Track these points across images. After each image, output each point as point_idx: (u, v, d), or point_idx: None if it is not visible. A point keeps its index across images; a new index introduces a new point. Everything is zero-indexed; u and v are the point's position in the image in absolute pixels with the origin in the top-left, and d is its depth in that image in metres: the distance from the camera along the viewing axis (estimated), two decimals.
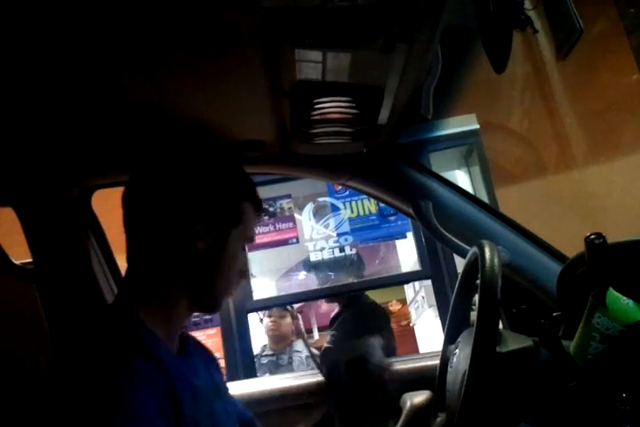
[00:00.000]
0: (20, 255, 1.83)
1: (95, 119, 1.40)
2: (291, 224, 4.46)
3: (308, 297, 4.56)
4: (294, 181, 3.68)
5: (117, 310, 1.13)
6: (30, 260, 1.82)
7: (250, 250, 4.27)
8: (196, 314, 3.99)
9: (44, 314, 1.86)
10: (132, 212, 1.20)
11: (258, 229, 4.34)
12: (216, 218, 1.19)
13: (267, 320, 4.43)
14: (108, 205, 2.21)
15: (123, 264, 2.01)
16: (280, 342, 4.38)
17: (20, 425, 1.66)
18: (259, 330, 4.39)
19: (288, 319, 4.44)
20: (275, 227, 4.40)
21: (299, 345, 4.36)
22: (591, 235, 1.06)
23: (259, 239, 4.33)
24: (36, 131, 1.42)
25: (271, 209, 4.46)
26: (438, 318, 4.07)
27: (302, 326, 5.10)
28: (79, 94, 1.27)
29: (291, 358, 4.30)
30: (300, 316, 4.78)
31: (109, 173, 1.79)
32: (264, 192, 4.43)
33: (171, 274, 1.17)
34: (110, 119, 1.41)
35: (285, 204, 4.53)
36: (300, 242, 4.42)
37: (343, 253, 4.34)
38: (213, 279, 1.20)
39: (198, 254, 1.17)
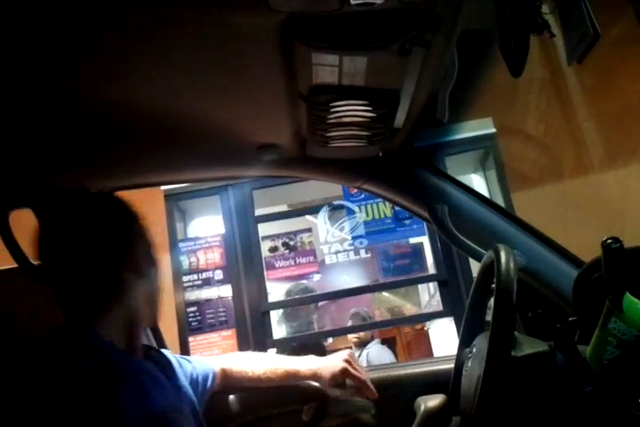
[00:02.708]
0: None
1: (110, 124, 1.41)
2: (311, 258, 4.47)
3: (324, 298, 4.56)
4: (310, 183, 3.68)
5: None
6: None
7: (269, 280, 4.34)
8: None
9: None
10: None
11: (277, 263, 4.39)
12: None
13: None
14: None
15: None
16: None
17: None
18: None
19: None
20: (295, 261, 4.43)
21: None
22: (608, 239, 1.06)
23: (279, 273, 4.35)
24: (52, 134, 1.43)
25: (292, 243, 4.48)
26: (453, 321, 4.06)
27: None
28: (93, 99, 1.28)
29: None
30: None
31: (124, 177, 1.80)
32: (284, 226, 4.48)
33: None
34: (126, 124, 1.42)
35: (306, 237, 4.55)
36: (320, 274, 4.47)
37: (358, 256, 4.35)
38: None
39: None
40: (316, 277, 4.61)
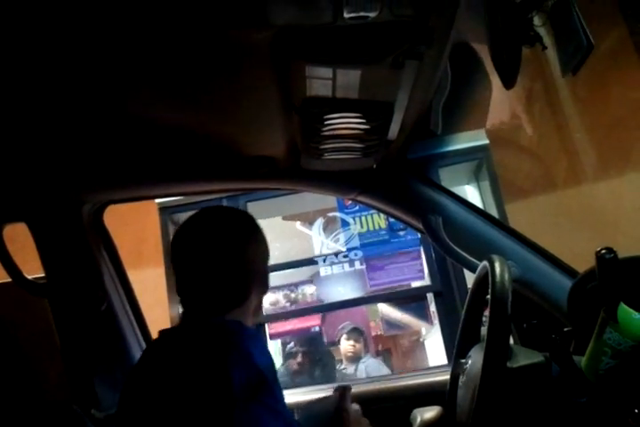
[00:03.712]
0: (33, 270, 1.84)
1: (106, 137, 1.42)
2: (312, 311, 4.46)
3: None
4: (304, 195, 3.68)
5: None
6: (43, 275, 1.83)
7: (272, 338, 4.37)
8: None
9: (55, 329, 1.87)
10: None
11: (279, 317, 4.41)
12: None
13: (345, 343, 4.73)
14: (119, 221, 2.24)
15: (133, 279, 2.03)
16: (354, 360, 4.70)
17: None
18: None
19: (362, 342, 4.78)
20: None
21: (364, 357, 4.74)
22: (602, 250, 1.06)
23: (280, 327, 4.34)
24: (47, 148, 1.43)
25: (293, 295, 4.48)
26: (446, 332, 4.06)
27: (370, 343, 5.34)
28: (90, 113, 1.28)
29: (356, 368, 4.65)
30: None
31: (119, 189, 1.80)
32: (285, 277, 4.48)
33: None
34: (121, 137, 1.42)
35: (307, 289, 4.54)
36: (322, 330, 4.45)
37: (353, 268, 4.35)
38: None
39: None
40: (311, 289, 4.60)
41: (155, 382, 1.31)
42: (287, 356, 4.68)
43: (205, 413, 1.19)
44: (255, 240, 1.48)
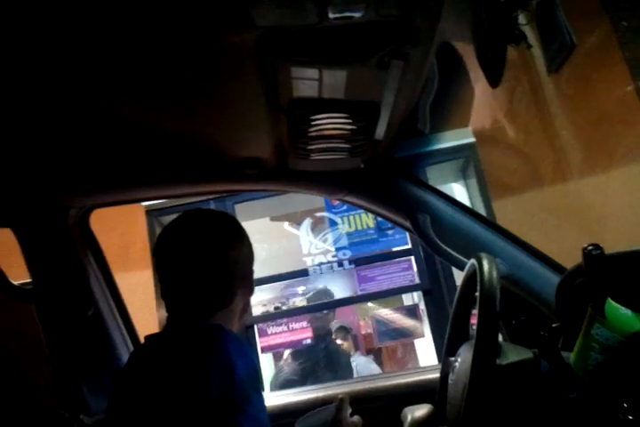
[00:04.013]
0: (19, 276, 1.83)
1: (90, 141, 1.41)
2: (304, 324, 4.46)
3: (308, 311, 4.55)
4: (292, 195, 3.68)
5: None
6: (29, 280, 1.82)
7: (263, 351, 4.38)
8: None
9: (43, 334, 1.86)
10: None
11: (270, 330, 4.39)
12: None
13: None
14: (105, 225, 2.23)
15: (121, 283, 2.03)
16: None
17: None
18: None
19: (349, 340, 4.79)
20: (288, 327, 4.42)
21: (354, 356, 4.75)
22: (589, 246, 1.07)
23: (271, 340, 4.33)
24: (32, 153, 1.43)
25: (284, 307, 4.46)
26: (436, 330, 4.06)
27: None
28: (73, 117, 1.28)
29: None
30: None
31: (105, 193, 1.80)
32: (275, 290, 4.47)
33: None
34: (106, 140, 1.42)
35: (299, 301, 4.52)
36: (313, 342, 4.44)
37: (342, 268, 4.35)
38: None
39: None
40: (300, 288, 4.60)
41: (139, 388, 1.32)
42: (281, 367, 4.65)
43: (184, 418, 1.19)
44: (239, 242, 1.48)
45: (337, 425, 1.42)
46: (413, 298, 4.79)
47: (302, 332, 4.40)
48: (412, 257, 4.23)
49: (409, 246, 4.29)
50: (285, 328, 4.38)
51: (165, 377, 1.27)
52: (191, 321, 1.37)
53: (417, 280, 4.20)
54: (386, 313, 4.47)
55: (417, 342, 5.60)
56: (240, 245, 1.47)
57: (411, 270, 4.27)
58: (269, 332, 4.35)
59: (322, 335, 4.49)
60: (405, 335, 4.42)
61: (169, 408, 1.22)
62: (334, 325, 4.80)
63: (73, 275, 1.84)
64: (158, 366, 1.31)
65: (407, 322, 4.41)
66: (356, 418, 1.47)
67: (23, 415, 1.57)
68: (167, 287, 1.42)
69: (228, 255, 1.43)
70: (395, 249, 4.42)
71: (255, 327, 4.24)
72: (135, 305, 2.16)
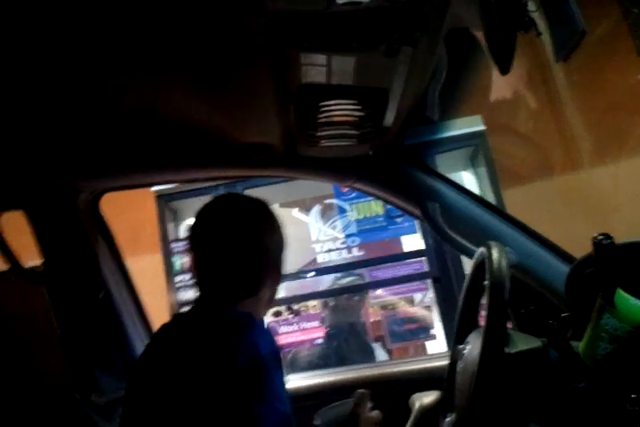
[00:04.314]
0: (30, 259, 1.84)
1: (102, 125, 1.41)
2: (316, 323, 4.43)
3: (317, 296, 4.53)
4: (301, 182, 3.68)
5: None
6: (40, 263, 1.84)
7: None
8: None
9: (54, 316, 1.87)
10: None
11: (281, 329, 4.35)
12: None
13: None
14: (116, 209, 2.23)
15: (131, 267, 2.04)
16: None
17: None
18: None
19: None
20: (299, 326, 4.39)
21: None
22: (599, 235, 1.06)
23: (283, 339, 4.31)
24: (44, 137, 1.43)
25: (295, 307, 4.45)
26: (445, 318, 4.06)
27: None
28: (84, 101, 1.28)
29: None
30: None
31: (115, 178, 1.80)
32: (289, 290, 4.46)
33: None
34: (117, 125, 1.42)
35: (310, 302, 4.50)
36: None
37: (351, 255, 4.34)
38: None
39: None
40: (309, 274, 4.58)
41: (162, 367, 1.33)
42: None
43: (207, 398, 1.20)
44: (271, 230, 1.49)
45: (355, 420, 1.43)
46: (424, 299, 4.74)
47: (314, 331, 4.39)
48: (423, 244, 4.20)
49: (418, 235, 4.28)
50: (297, 328, 4.38)
51: (191, 358, 1.28)
52: (220, 306, 1.38)
53: (426, 268, 4.19)
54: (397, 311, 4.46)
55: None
56: (272, 234, 1.48)
57: (420, 259, 4.25)
58: (280, 331, 4.34)
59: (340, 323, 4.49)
60: (417, 335, 4.39)
61: (191, 389, 1.23)
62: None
63: (84, 258, 1.85)
64: (184, 346, 1.32)
65: (419, 320, 4.40)
66: (375, 413, 1.47)
67: (36, 397, 1.58)
68: (201, 270, 1.44)
69: (260, 243, 1.43)
70: (403, 237, 4.42)
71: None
72: (145, 289, 2.17)
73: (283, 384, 1.27)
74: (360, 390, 1.49)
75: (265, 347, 1.26)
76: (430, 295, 4.25)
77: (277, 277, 1.50)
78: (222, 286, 1.41)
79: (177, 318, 1.46)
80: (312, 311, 4.49)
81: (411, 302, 4.61)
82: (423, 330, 4.35)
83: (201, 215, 1.48)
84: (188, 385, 1.24)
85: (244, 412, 1.18)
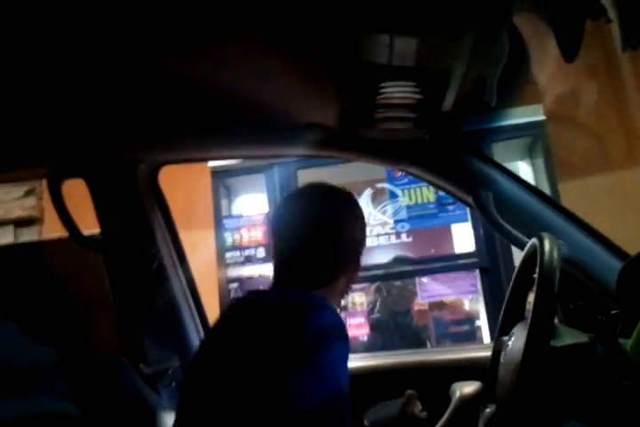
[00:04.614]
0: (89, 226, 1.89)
1: (162, 98, 1.43)
2: (362, 320, 4.40)
3: (365, 280, 4.53)
4: (353, 165, 3.67)
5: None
6: (98, 231, 1.88)
7: None
8: None
9: (109, 284, 1.92)
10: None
11: None
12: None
13: None
14: (172, 183, 2.27)
15: (184, 240, 2.07)
16: None
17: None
18: None
19: None
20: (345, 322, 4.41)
21: None
22: None
23: None
24: (107, 107, 1.46)
25: (343, 303, 4.47)
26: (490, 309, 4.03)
27: None
28: (146, 73, 1.30)
29: None
30: None
31: (174, 151, 1.83)
32: None
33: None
34: (179, 100, 1.44)
35: (358, 298, 4.49)
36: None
37: (399, 240, 4.32)
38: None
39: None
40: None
41: (229, 340, 1.36)
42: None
43: (260, 370, 1.23)
44: (354, 224, 1.50)
45: (403, 420, 1.44)
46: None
47: (360, 328, 4.39)
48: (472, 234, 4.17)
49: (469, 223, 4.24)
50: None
51: (259, 328, 1.31)
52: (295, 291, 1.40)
53: (475, 259, 4.16)
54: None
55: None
56: (355, 226, 1.50)
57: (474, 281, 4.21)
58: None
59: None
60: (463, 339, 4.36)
61: (253, 355, 1.26)
62: None
63: (140, 228, 1.89)
64: (254, 318, 1.35)
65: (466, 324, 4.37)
66: (423, 414, 1.48)
67: (86, 360, 1.62)
68: (278, 256, 1.47)
69: (341, 235, 1.45)
70: (453, 225, 4.39)
71: None
72: (196, 263, 2.21)
73: (342, 364, 1.27)
74: (409, 391, 1.49)
75: (332, 327, 1.27)
76: (480, 299, 4.22)
77: (355, 269, 1.51)
78: (299, 273, 1.42)
79: (250, 294, 1.49)
80: (359, 309, 4.48)
81: (460, 304, 4.59)
82: (470, 334, 4.33)
83: (286, 202, 1.52)
84: (248, 357, 1.27)
85: (283, 385, 1.19)
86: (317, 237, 1.43)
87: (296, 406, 1.18)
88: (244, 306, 1.45)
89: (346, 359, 1.28)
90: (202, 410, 1.31)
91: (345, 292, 1.53)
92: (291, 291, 1.40)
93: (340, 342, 1.27)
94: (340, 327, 1.30)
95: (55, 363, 1.44)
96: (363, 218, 1.53)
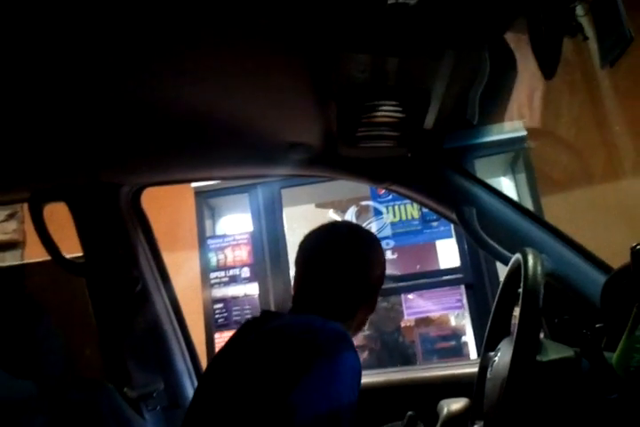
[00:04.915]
0: (71, 250, 1.87)
1: (145, 121, 1.43)
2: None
3: None
4: (338, 182, 3.68)
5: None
6: (80, 254, 1.87)
7: None
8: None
9: (92, 307, 1.90)
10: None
11: None
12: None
13: None
14: (155, 204, 2.26)
15: (168, 262, 2.06)
16: None
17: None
18: None
19: None
20: None
21: None
22: (637, 245, 1.05)
23: None
24: (88, 131, 1.46)
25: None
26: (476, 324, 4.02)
27: None
28: (127, 96, 1.30)
29: None
30: None
31: (156, 173, 1.83)
32: None
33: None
34: (159, 121, 1.44)
35: None
36: None
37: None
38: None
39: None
40: None
41: (239, 355, 1.38)
42: None
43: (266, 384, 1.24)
44: (379, 263, 1.54)
45: None
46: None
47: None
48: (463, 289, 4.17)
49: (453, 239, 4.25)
50: None
51: (267, 346, 1.32)
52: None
53: (460, 274, 4.16)
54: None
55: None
56: (378, 267, 1.53)
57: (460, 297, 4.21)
58: None
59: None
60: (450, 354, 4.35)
61: (266, 368, 1.27)
62: None
63: (123, 251, 1.88)
64: (267, 337, 1.36)
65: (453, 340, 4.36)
66: None
67: (70, 385, 1.61)
68: (300, 288, 1.51)
69: (365, 274, 1.49)
70: (438, 241, 4.39)
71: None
72: (181, 284, 2.20)
73: (346, 377, 1.29)
74: (410, 413, 1.50)
75: (335, 339, 1.29)
76: (466, 315, 4.21)
77: (372, 307, 1.55)
78: (319, 307, 1.44)
79: (264, 314, 1.51)
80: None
81: (446, 320, 4.57)
82: (457, 350, 4.31)
83: (315, 237, 1.54)
84: (256, 373, 1.28)
85: (287, 400, 1.20)
86: (343, 275, 1.46)
87: (300, 420, 1.19)
88: (257, 325, 1.46)
89: (351, 372, 1.30)
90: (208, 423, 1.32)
91: (360, 327, 1.57)
92: (304, 315, 1.42)
93: (345, 354, 1.29)
94: (346, 339, 1.32)
95: (33, 396, 1.43)
96: (384, 259, 1.57)
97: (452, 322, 4.64)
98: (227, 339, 1.48)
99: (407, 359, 4.40)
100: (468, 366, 1.95)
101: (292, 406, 1.19)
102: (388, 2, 0.94)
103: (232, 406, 1.28)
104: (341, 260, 1.47)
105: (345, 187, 3.98)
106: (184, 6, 0.98)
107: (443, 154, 1.74)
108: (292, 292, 1.54)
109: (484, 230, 1.71)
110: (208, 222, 4.42)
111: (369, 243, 1.55)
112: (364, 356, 4.38)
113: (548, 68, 1.17)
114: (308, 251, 1.53)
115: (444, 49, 1.09)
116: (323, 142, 1.59)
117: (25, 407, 1.36)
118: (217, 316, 4.08)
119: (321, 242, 1.53)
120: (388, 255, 4.31)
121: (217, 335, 3.94)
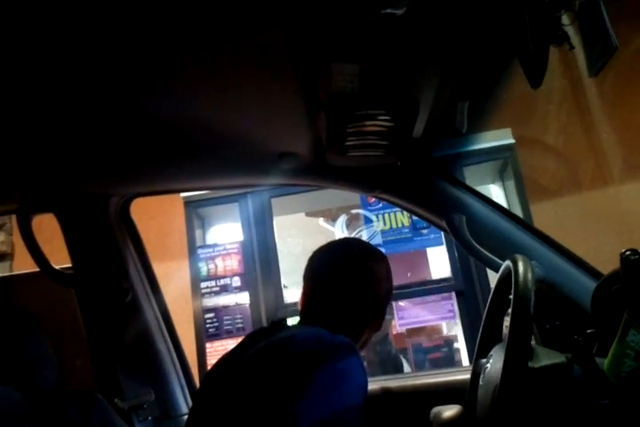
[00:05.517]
0: (60, 261, 1.87)
1: (134, 132, 1.43)
2: None
3: None
4: (328, 191, 3.68)
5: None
6: (70, 265, 1.86)
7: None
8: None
9: (81, 318, 1.89)
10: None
11: None
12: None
13: None
14: (145, 214, 2.26)
15: (158, 272, 2.05)
16: None
17: None
18: None
19: None
20: None
21: None
22: (626, 251, 1.06)
23: None
24: (77, 141, 1.45)
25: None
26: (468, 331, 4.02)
27: None
28: (116, 107, 1.30)
29: None
30: None
31: (145, 183, 1.82)
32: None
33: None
34: (148, 132, 1.44)
35: None
36: None
37: None
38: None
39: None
40: None
41: (243, 363, 1.38)
42: None
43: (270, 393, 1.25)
44: (387, 280, 1.57)
45: None
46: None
47: None
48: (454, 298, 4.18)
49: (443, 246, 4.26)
50: None
51: (275, 352, 1.34)
52: None
53: (451, 282, 4.17)
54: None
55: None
56: (385, 284, 1.55)
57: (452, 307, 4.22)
58: None
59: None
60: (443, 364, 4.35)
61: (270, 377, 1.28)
62: None
63: (112, 261, 1.87)
64: (271, 347, 1.37)
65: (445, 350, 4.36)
66: None
67: (60, 396, 1.59)
68: (309, 304, 1.51)
69: (373, 292, 1.51)
70: (428, 248, 4.40)
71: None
72: (171, 294, 2.19)
73: (349, 382, 1.29)
74: None
75: (351, 366, 1.30)
76: (457, 322, 4.22)
77: (378, 324, 1.56)
78: (327, 322, 1.43)
79: (273, 324, 1.51)
80: None
81: (438, 329, 4.58)
82: (449, 358, 4.31)
83: (325, 253, 1.56)
84: (259, 382, 1.29)
85: (290, 408, 1.21)
86: (355, 290, 1.48)
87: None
88: (266, 335, 1.46)
89: (357, 383, 1.30)
90: None
91: (365, 344, 1.57)
92: (314, 327, 1.42)
93: (352, 365, 1.30)
94: (354, 351, 1.33)
95: (20, 404, 1.42)
96: (392, 277, 1.59)
97: (444, 330, 4.64)
98: (217, 348, 1.48)
99: (398, 368, 4.40)
100: (461, 373, 1.95)
101: (296, 415, 1.20)
102: (376, 13, 0.94)
103: (236, 415, 1.28)
104: (352, 276, 1.49)
105: (335, 195, 3.98)
106: (171, 20, 0.99)
107: (432, 162, 1.75)
108: (300, 306, 1.54)
109: (474, 238, 1.72)
110: (198, 232, 4.41)
111: (379, 260, 1.57)
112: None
113: (534, 76, 1.17)
114: (318, 267, 1.54)
115: (431, 59, 1.09)
116: (312, 152, 1.59)
117: (11, 416, 1.35)
118: (208, 325, 4.06)
119: (332, 258, 1.55)
120: None
121: (208, 345, 3.93)
